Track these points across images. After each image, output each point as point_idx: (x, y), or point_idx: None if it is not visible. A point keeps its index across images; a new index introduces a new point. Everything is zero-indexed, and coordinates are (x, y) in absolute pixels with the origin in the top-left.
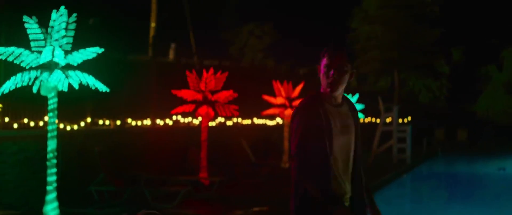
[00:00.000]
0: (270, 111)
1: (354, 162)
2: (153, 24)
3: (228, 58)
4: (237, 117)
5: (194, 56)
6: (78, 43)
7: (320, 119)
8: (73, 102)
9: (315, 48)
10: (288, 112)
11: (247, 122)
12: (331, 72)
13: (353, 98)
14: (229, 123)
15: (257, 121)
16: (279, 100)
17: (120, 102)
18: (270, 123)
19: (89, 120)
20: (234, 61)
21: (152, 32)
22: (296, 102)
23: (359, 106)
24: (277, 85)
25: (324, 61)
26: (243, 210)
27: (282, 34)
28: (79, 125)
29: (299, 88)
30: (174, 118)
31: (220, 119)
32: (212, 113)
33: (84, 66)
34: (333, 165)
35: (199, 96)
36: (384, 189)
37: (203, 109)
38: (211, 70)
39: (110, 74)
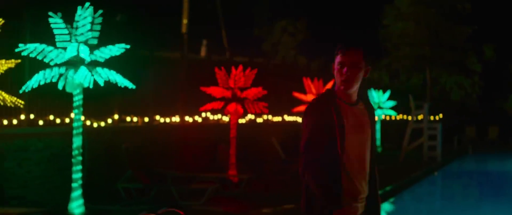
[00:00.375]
0: (301, 108)
1: (370, 161)
2: (185, 21)
3: (260, 55)
4: (268, 114)
5: (226, 53)
6: (105, 39)
7: (330, 117)
8: (100, 99)
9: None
10: None
11: (277, 119)
12: (344, 69)
13: (384, 96)
14: (259, 120)
15: (288, 118)
16: (310, 97)
17: (148, 99)
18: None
19: (116, 116)
20: (266, 58)
21: (184, 29)
22: None
23: (390, 104)
24: (307, 82)
25: (338, 58)
26: (270, 208)
27: (314, 31)
28: (106, 122)
29: (329, 85)
30: (203, 115)
31: (250, 116)
32: (241, 110)
33: (112, 63)
34: (346, 164)
35: (228, 94)
36: (414, 186)
37: (232, 106)
38: (240, 67)
39: (138, 71)
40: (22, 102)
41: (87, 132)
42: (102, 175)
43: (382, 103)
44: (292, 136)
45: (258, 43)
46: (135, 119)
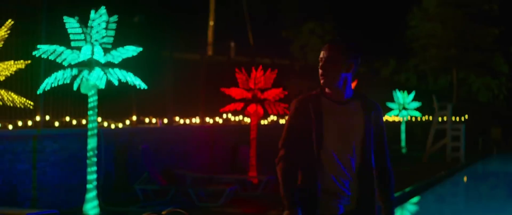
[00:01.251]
0: None
1: (361, 161)
2: (211, 23)
3: (288, 57)
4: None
5: (252, 55)
6: (123, 40)
7: (308, 115)
8: (118, 101)
9: (374, 46)
10: None
11: None
12: (320, 64)
13: (409, 97)
14: (282, 121)
15: None
16: None
17: (168, 100)
18: None
19: (134, 118)
20: (290, 60)
21: (210, 31)
22: None
23: (415, 105)
24: None
25: (320, 55)
26: None
27: (341, 33)
28: (124, 123)
29: (353, 86)
30: (224, 116)
31: (273, 117)
32: (261, 111)
33: (130, 64)
34: (325, 162)
35: (248, 95)
36: (437, 187)
37: (252, 107)
38: (260, 68)
39: (158, 72)
40: (32, 103)
41: (104, 133)
42: (119, 176)
43: (407, 105)
44: None
45: (286, 45)
46: (154, 120)
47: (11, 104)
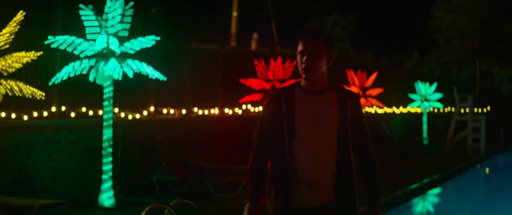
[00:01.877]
0: None
1: (337, 152)
2: (235, 14)
3: None
4: None
5: (275, 46)
6: (139, 31)
7: (280, 106)
8: (135, 91)
9: (398, 37)
10: (362, 101)
11: None
12: (305, 57)
13: (431, 88)
14: None
15: None
16: (353, 89)
17: (186, 91)
18: None
19: (152, 108)
20: None
21: (234, 22)
22: (369, 92)
23: (436, 96)
24: (351, 74)
25: (299, 47)
26: None
27: (365, 23)
28: (141, 114)
29: (372, 77)
30: (243, 107)
31: None
32: None
33: (147, 55)
34: (298, 152)
35: (267, 86)
36: (457, 178)
37: None
38: (279, 59)
39: (176, 63)
40: (43, 93)
41: (122, 124)
42: (136, 167)
43: (429, 96)
44: None
45: None
46: (171, 111)
47: (20, 94)
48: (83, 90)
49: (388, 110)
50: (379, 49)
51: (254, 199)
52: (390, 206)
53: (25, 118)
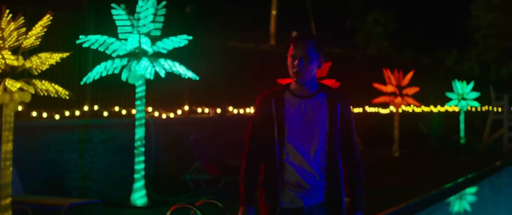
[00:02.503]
0: (381, 99)
1: (326, 155)
2: (274, 12)
3: (352, 47)
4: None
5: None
6: (173, 31)
7: (270, 110)
8: (170, 90)
9: (437, 35)
10: (398, 100)
11: (358, 110)
12: (296, 61)
13: (468, 87)
14: None
15: (369, 109)
16: (389, 88)
17: (221, 90)
18: (383, 111)
19: (186, 107)
20: (345, 49)
21: (272, 20)
22: (406, 91)
23: (473, 95)
24: (387, 73)
25: (290, 51)
26: None
27: (404, 22)
28: (175, 113)
29: (409, 76)
30: None
31: None
32: None
33: (182, 54)
34: (289, 157)
35: None
36: (493, 177)
37: None
38: None
39: (210, 62)
40: (67, 92)
41: (155, 123)
42: (170, 166)
43: (466, 95)
44: (374, 127)
45: (351, 34)
46: (206, 110)
47: (45, 94)
48: (116, 89)
49: (426, 109)
50: (419, 48)
51: (247, 203)
52: (424, 205)
53: (57, 117)
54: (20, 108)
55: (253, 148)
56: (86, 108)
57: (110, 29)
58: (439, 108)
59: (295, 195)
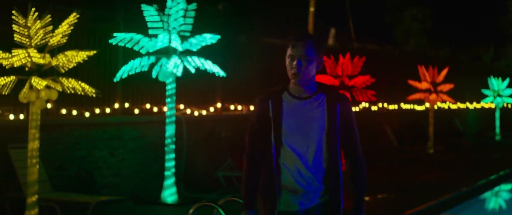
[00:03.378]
0: (415, 96)
1: (325, 157)
2: (312, 9)
3: (390, 43)
4: (382, 102)
5: (352, 41)
6: (205, 28)
7: (267, 111)
8: (202, 88)
9: (474, 32)
10: (433, 97)
11: (393, 107)
12: (294, 62)
13: (503, 83)
14: (374, 107)
15: (404, 105)
16: (424, 85)
17: (254, 87)
18: (419, 107)
19: (219, 105)
20: (380, 46)
21: (311, 17)
22: (440, 87)
23: (509, 91)
24: (422, 70)
25: (288, 51)
26: (369, 196)
27: (441, 18)
28: (208, 110)
29: (443, 73)
30: None
31: (365, 104)
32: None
33: (214, 51)
34: (286, 159)
35: (336, 82)
36: None
37: None
38: (348, 55)
39: (243, 59)
40: (94, 91)
41: (187, 120)
42: (202, 163)
43: (501, 91)
44: (410, 124)
45: (389, 31)
46: (239, 107)
47: (72, 92)
48: (148, 86)
49: (462, 105)
50: (456, 44)
51: (248, 208)
52: (456, 202)
53: (87, 114)
54: (49, 106)
55: (252, 151)
56: (116, 105)
57: (140, 27)
58: (475, 105)
59: (291, 199)
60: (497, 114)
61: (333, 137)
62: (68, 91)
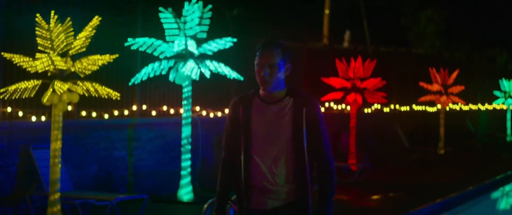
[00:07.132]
0: (427, 98)
1: (291, 160)
2: (327, 11)
3: (405, 45)
4: (394, 104)
5: (367, 44)
6: (221, 33)
7: (237, 118)
8: (218, 90)
9: (489, 33)
10: (443, 98)
11: (405, 108)
12: (262, 70)
13: None
14: (385, 109)
15: (416, 107)
16: (435, 87)
17: None
18: (430, 109)
19: None
20: (393, 47)
21: (326, 20)
22: (451, 89)
23: None
24: (433, 72)
25: (256, 59)
26: (379, 195)
27: (456, 20)
28: (223, 112)
29: (454, 75)
30: (326, 105)
31: (377, 106)
32: (360, 100)
33: (229, 55)
34: (255, 161)
35: (347, 84)
36: None
37: (351, 96)
38: (359, 58)
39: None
40: (118, 94)
41: (202, 122)
42: (217, 163)
43: None
44: (421, 125)
45: (404, 33)
46: None
47: (96, 95)
48: (165, 89)
49: (473, 107)
50: (470, 47)
51: (218, 210)
52: (460, 201)
53: (106, 116)
54: (70, 108)
55: (227, 155)
56: (134, 108)
57: (158, 32)
58: (486, 106)
59: (260, 199)
60: (508, 115)
61: (299, 141)
62: (88, 95)
